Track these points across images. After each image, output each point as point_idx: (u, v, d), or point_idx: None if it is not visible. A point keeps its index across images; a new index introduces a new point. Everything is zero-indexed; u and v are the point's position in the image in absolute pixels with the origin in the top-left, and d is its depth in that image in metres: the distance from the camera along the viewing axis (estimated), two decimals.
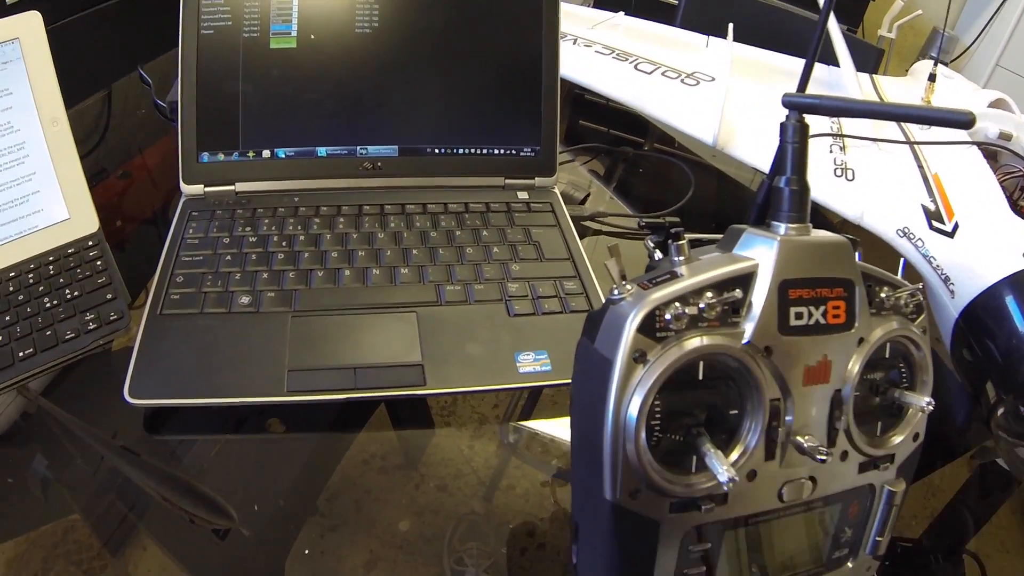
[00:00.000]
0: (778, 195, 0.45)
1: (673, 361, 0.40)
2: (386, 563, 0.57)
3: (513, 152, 0.88)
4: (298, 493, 0.62)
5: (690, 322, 0.41)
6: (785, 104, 0.46)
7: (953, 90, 0.99)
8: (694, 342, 0.40)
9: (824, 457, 0.44)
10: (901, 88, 1.04)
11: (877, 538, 0.51)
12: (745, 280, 0.42)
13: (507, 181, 0.88)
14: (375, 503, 0.61)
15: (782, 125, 0.46)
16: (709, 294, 0.41)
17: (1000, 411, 0.65)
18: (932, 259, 0.75)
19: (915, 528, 0.67)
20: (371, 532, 0.59)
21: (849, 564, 0.51)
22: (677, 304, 0.40)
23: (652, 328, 0.40)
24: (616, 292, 0.41)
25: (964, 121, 0.40)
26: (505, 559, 0.59)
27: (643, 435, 0.40)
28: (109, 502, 0.59)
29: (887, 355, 0.48)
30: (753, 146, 0.91)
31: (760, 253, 0.43)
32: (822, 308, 0.44)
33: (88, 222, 0.75)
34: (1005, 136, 0.87)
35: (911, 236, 0.77)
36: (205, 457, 0.63)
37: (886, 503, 0.50)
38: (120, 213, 0.90)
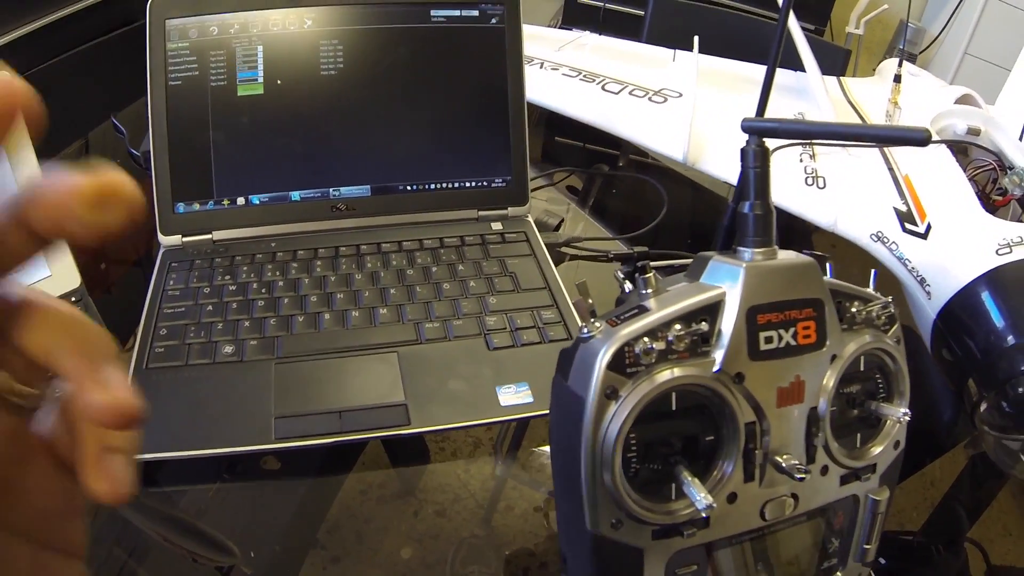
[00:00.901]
0: (743, 220, 0.45)
1: (644, 395, 0.40)
2: None
3: (484, 184, 0.88)
4: (298, 527, 0.62)
5: (660, 355, 0.41)
6: (745, 129, 0.46)
7: (920, 88, 0.99)
8: (664, 375, 0.41)
9: (803, 476, 0.44)
10: (868, 89, 1.05)
11: (865, 546, 0.51)
12: (713, 309, 0.43)
13: (480, 213, 0.89)
14: (375, 532, 0.61)
15: (743, 151, 0.46)
16: (677, 326, 0.41)
17: (983, 407, 0.66)
18: (907, 261, 0.75)
19: (916, 520, 0.68)
20: (373, 562, 0.59)
21: (839, 573, 0.52)
22: (646, 339, 0.40)
23: (622, 364, 0.40)
24: (585, 330, 0.42)
25: (920, 139, 0.41)
26: None
27: (620, 469, 0.41)
28: (108, 548, 0.59)
29: (862, 368, 0.48)
30: (724, 160, 0.91)
31: (727, 281, 0.43)
32: (792, 330, 0.44)
33: (70, 278, 0.75)
34: (973, 131, 0.88)
35: (885, 240, 0.78)
36: (202, 499, 0.63)
37: (870, 512, 0.50)
38: (101, 263, 0.89)
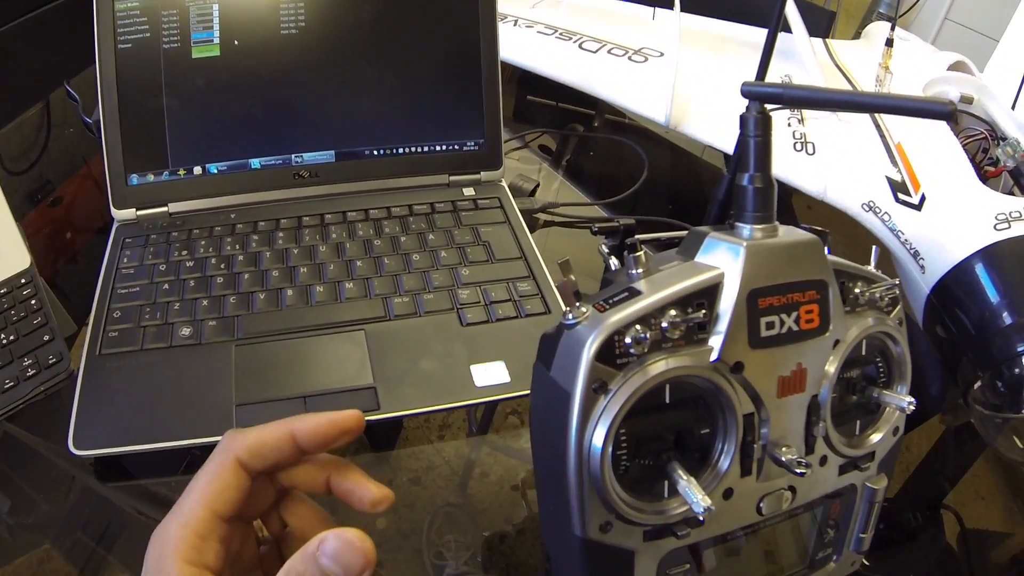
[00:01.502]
0: (742, 194, 0.42)
1: (636, 389, 0.37)
2: None
3: (456, 147, 0.84)
4: None
5: (652, 344, 0.37)
6: (745, 94, 0.42)
7: (911, 54, 0.96)
8: (658, 366, 0.37)
9: (803, 471, 0.41)
10: (857, 53, 1.01)
11: (861, 535, 0.49)
12: (711, 292, 0.39)
13: (452, 178, 0.85)
14: None
15: (742, 117, 0.42)
16: (672, 312, 0.38)
17: (977, 385, 0.63)
18: (900, 233, 0.73)
19: (892, 485, 0.66)
20: None
21: (833, 563, 0.50)
22: (637, 327, 0.37)
23: (612, 355, 0.37)
24: (571, 316, 0.38)
25: (945, 112, 0.37)
26: (485, 550, 0.58)
27: (609, 469, 0.38)
28: (82, 528, 0.58)
29: (863, 352, 0.46)
30: (707, 123, 0.88)
31: (725, 260, 0.40)
32: (794, 314, 0.41)
33: (19, 258, 0.71)
34: (966, 99, 0.85)
35: (877, 210, 0.75)
36: (174, 473, 0.61)
37: (868, 501, 0.49)
38: (55, 242, 0.86)
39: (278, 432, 0.39)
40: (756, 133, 0.42)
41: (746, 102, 0.42)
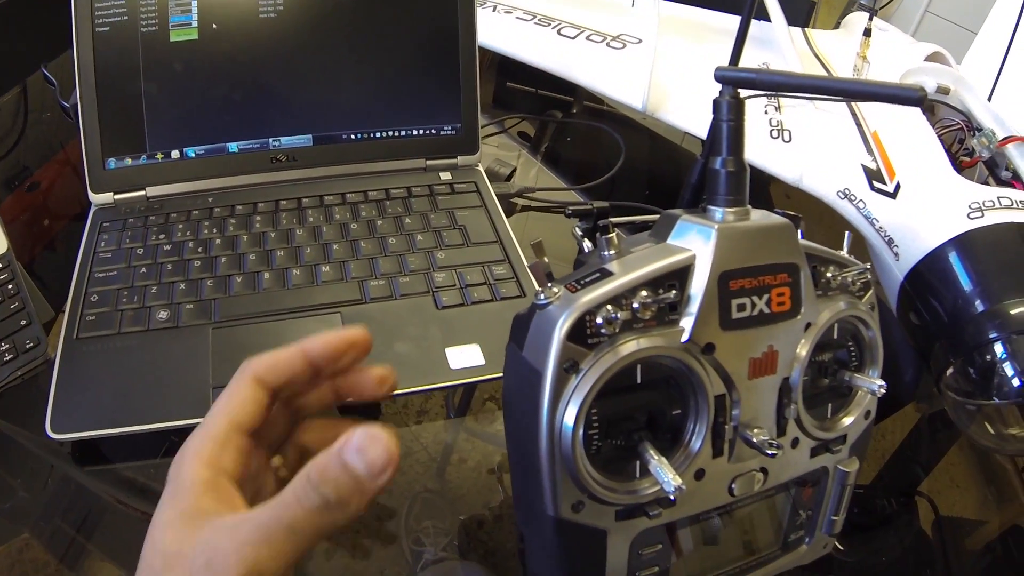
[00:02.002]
0: (714, 177, 0.42)
1: (608, 369, 0.37)
2: (344, 548, 0.56)
3: (433, 131, 0.84)
4: None
5: (624, 325, 0.38)
6: (718, 79, 0.42)
7: (889, 44, 0.97)
8: (629, 346, 0.38)
9: (774, 452, 0.41)
10: (836, 43, 1.02)
11: (833, 517, 0.50)
12: (682, 274, 0.39)
13: (428, 162, 0.85)
14: None
15: (715, 102, 0.42)
16: (643, 292, 0.38)
17: (949, 372, 0.64)
18: (875, 220, 0.73)
19: (867, 472, 0.67)
20: None
21: (805, 545, 0.50)
22: (609, 307, 0.37)
23: (583, 335, 0.37)
24: (542, 296, 0.38)
25: (915, 98, 0.38)
26: (463, 535, 0.58)
27: (581, 448, 0.38)
28: (61, 516, 0.58)
29: (835, 336, 0.46)
30: (685, 110, 0.88)
31: (697, 243, 0.40)
32: (765, 297, 0.41)
33: None
34: (943, 90, 0.86)
35: (852, 197, 0.75)
36: (152, 458, 0.61)
37: (839, 483, 0.49)
38: (32, 227, 0.85)
39: (291, 350, 0.40)
40: (729, 117, 0.42)
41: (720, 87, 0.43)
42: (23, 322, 0.65)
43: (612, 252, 0.41)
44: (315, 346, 0.40)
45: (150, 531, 0.34)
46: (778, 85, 0.44)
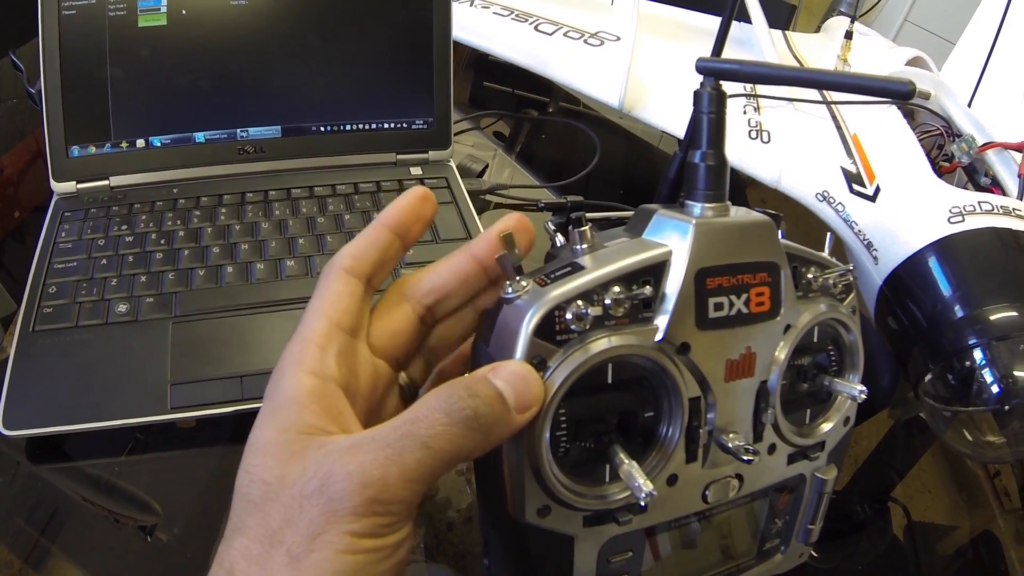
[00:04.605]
0: (693, 171, 0.40)
1: (577, 367, 0.35)
2: None
3: (404, 125, 0.83)
4: (217, 481, 0.59)
5: (595, 321, 0.36)
6: (699, 69, 0.41)
7: (869, 48, 0.97)
8: (600, 344, 0.36)
9: (750, 458, 0.40)
10: (816, 45, 1.02)
11: (809, 526, 0.49)
12: (657, 270, 0.38)
13: (399, 157, 0.84)
14: None
15: (696, 93, 0.41)
16: (616, 288, 0.36)
17: (928, 377, 0.63)
18: (854, 224, 0.72)
19: (841, 477, 0.67)
20: None
21: (781, 554, 0.49)
22: (579, 302, 0.35)
23: (552, 331, 0.35)
24: (510, 290, 0.37)
25: (904, 92, 0.36)
26: (432, 537, 0.58)
27: (547, 451, 0.36)
28: (24, 516, 0.57)
29: (815, 339, 0.45)
30: (663, 109, 0.87)
31: (673, 238, 0.38)
32: (744, 296, 0.39)
33: None
34: (923, 95, 0.85)
35: (831, 200, 0.75)
36: (114, 456, 0.59)
37: (817, 491, 0.48)
38: (15, 212, 0.85)
39: (370, 230, 0.38)
40: (710, 110, 0.41)
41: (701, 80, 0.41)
42: None
43: (585, 246, 0.39)
44: (389, 213, 0.38)
45: (245, 457, 0.31)
46: (761, 76, 0.43)
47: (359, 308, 0.36)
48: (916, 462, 0.73)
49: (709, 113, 0.41)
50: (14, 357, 0.60)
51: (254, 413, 0.58)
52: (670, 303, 0.38)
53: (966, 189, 0.75)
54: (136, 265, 0.68)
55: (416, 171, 0.83)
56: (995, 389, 0.59)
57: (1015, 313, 0.60)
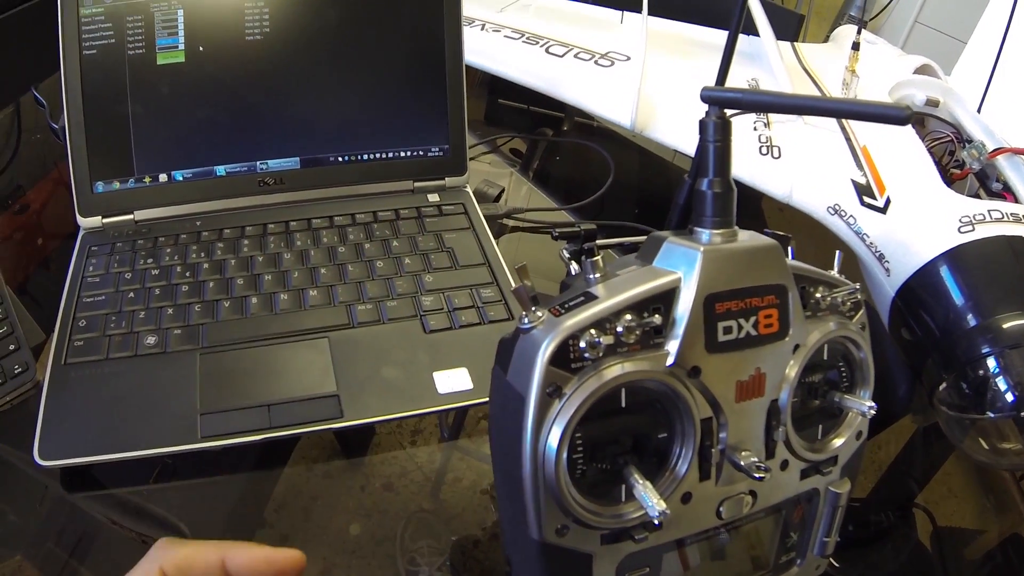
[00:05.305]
0: (700, 199, 0.42)
1: (591, 393, 0.37)
2: (340, 569, 0.56)
3: (420, 153, 0.84)
4: (245, 506, 0.61)
5: (608, 349, 0.37)
6: (704, 99, 0.42)
7: (878, 57, 0.97)
8: (614, 371, 0.37)
9: (762, 475, 0.41)
10: (825, 56, 1.02)
11: (824, 539, 0.49)
12: (667, 297, 0.39)
13: (416, 184, 0.84)
14: (323, 509, 0.60)
15: (702, 123, 0.42)
16: (628, 316, 0.38)
17: (942, 387, 0.64)
18: (865, 236, 0.73)
19: (864, 485, 0.68)
20: (322, 539, 0.58)
21: (797, 567, 0.50)
22: (592, 331, 0.37)
23: (566, 359, 0.37)
24: (526, 320, 0.38)
25: (901, 117, 0.37)
26: (458, 554, 0.58)
27: (564, 472, 0.37)
28: (54, 539, 0.57)
29: (825, 356, 0.46)
30: (674, 127, 0.88)
31: (682, 265, 0.40)
32: (752, 319, 0.41)
33: None
34: (932, 102, 0.85)
35: (842, 213, 0.75)
36: (143, 482, 0.61)
37: (831, 505, 0.49)
38: (23, 249, 0.85)
39: (210, 556, 0.37)
40: (716, 138, 0.42)
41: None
42: (11, 347, 0.65)
43: (597, 275, 0.41)
44: (238, 561, 0.37)
45: None
46: (764, 105, 0.44)
47: None
48: (938, 469, 0.72)
49: (715, 142, 0.42)
50: (47, 390, 0.61)
51: (282, 441, 0.59)
52: (680, 328, 0.39)
53: (978, 196, 0.76)
54: (163, 298, 0.69)
55: (433, 197, 0.84)
56: (1009, 397, 0.59)
57: None
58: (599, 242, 0.43)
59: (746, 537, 0.47)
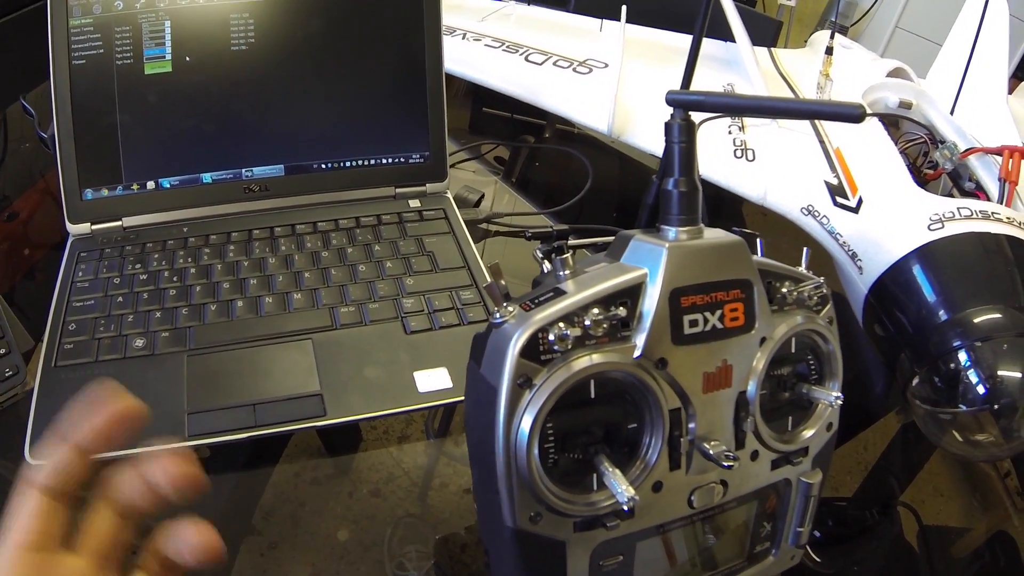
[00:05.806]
0: (667, 198, 0.43)
1: (560, 384, 0.38)
2: (328, 575, 0.57)
3: (402, 160, 0.86)
4: (232, 513, 0.61)
5: (576, 341, 0.39)
6: (669, 102, 0.44)
7: (852, 61, 0.98)
8: (582, 362, 0.39)
9: (730, 464, 0.42)
10: (800, 61, 1.03)
11: (798, 529, 0.50)
12: (634, 292, 0.40)
13: (397, 190, 0.86)
14: (311, 515, 0.61)
15: (667, 125, 0.44)
16: (595, 310, 0.39)
17: (915, 381, 0.65)
18: (838, 236, 0.74)
19: (850, 484, 0.69)
20: (311, 545, 0.59)
21: (771, 557, 0.51)
22: (561, 324, 0.38)
23: (536, 351, 0.38)
24: (498, 315, 0.40)
25: (855, 115, 0.39)
26: (446, 558, 0.59)
27: (536, 461, 0.39)
28: None
29: (793, 350, 0.47)
30: (651, 132, 0.89)
31: (649, 261, 0.41)
32: (718, 312, 0.42)
33: None
34: (905, 104, 0.87)
35: (816, 213, 0.77)
36: None
37: (803, 495, 0.49)
38: (12, 257, 0.86)
39: (60, 451, 0.36)
40: (680, 139, 0.43)
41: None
42: (2, 351, 0.66)
43: (567, 272, 0.42)
44: (83, 434, 0.37)
45: None
46: (725, 107, 0.45)
47: (47, 523, 0.35)
48: (922, 466, 0.73)
49: (680, 143, 0.43)
50: (38, 391, 0.62)
51: (267, 439, 0.60)
52: (647, 322, 0.40)
53: (951, 195, 0.77)
54: (151, 302, 0.70)
55: (414, 203, 0.85)
56: (981, 389, 0.60)
57: (997, 315, 0.62)
58: (571, 242, 0.44)
59: (720, 527, 0.48)
